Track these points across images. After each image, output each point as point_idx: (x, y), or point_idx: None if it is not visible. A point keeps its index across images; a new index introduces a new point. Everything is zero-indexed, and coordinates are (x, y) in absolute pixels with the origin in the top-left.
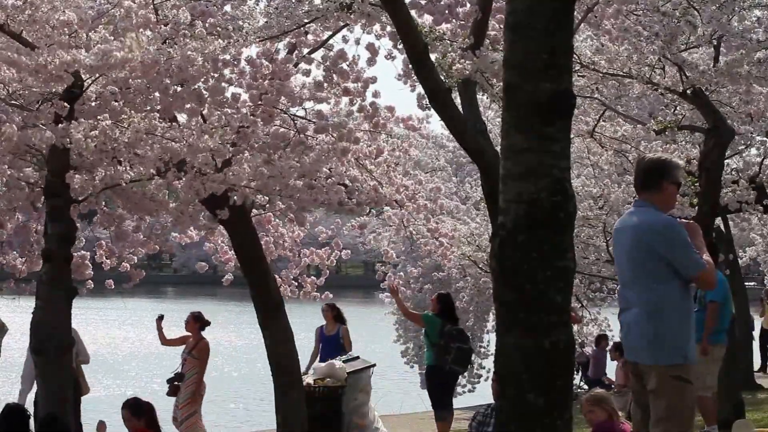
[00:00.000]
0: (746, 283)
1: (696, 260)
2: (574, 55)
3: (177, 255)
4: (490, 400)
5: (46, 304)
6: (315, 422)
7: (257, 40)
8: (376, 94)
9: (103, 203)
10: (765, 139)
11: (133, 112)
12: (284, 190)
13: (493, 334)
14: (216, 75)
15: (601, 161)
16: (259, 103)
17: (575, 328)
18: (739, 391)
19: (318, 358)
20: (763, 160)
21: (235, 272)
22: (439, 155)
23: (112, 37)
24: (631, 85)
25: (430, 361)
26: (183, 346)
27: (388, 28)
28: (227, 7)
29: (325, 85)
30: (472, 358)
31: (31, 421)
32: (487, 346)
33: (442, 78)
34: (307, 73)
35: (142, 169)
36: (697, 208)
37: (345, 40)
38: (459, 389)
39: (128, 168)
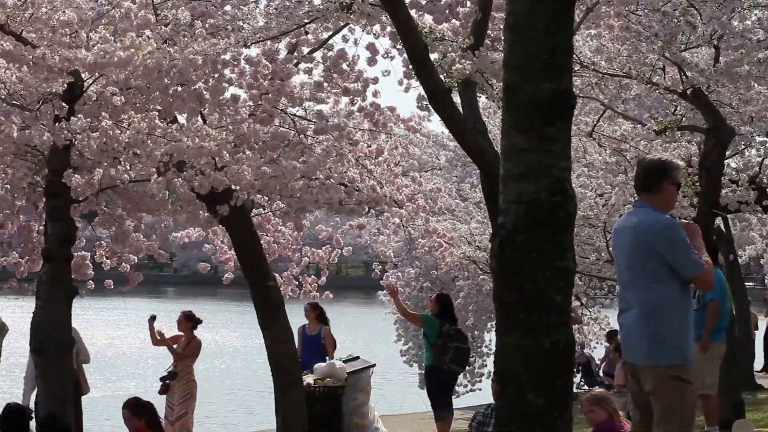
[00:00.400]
0: (746, 283)
1: (695, 261)
2: (574, 55)
3: (177, 255)
4: (491, 399)
5: (46, 304)
6: (315, 422)
7: (257, 40)
8: (376, 94)
9: (104, 203)
10: (765, 139)
11: (133, 112)
12: (284, 189)
13: (493, 334)
14: (216, 75)
15: (598, 161)
16: (260, 103)
17: (575, 328)
18: (739, 391)
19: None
20: (763, 160)
21: (235, 272)
22: (439, 155)
23: (112, 38)
24: (630, 85)
25: (429, 361)
26: (175, 346)
27: (388, 28)
28: (227, 8)
29: (326, 85)
30: (473, 358)
31: (32, 421)
32: (488, 344)
33: (442, 78)
34: (308, 71)
35: (140, 166)
36: (697, 208)
37: (345, 40)
38: (460, 389)
39: (128, 168)
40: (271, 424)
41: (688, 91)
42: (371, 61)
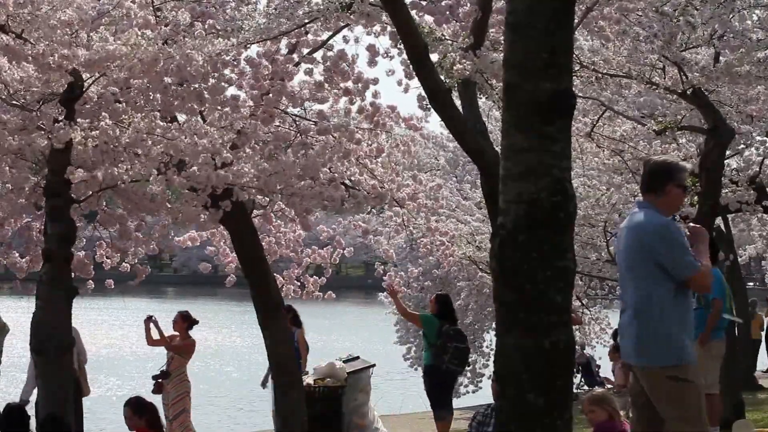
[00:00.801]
0: (747, 284)
1: (689, 262)
2: (574, 55)
3: (177, 255)
4: (491, 400)
5: (46, 304)
6: (315, 422)
7: (258, 40)
8: (375, 95)
9: (104, 203)
10: (765, 138)
11: (133, 112)
12: (285, 188)
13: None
14: (216, 75)
15: (595, 161)
16: (260, 103)
17: (576, 328)
18: (739, 391)
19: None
20: (763, 160)
21: (236, 273)
22: (438, 156)
23: (113, 38)
24: (629, 85)
25: (428, 361)
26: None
27: (388, 28)
28: (227, 8)
29: (326, 85)
30: (474, 358)
31: (32, 421)
32: (489, 344)
33: (443, 78)
34: (309, 72)
35: (140, 167)
36: (697, 208)
37: (345, 40)
38: (462, 389)
39: (128, 168)
40: (271, 424)
41: (688, 91)
42: (372, 63)
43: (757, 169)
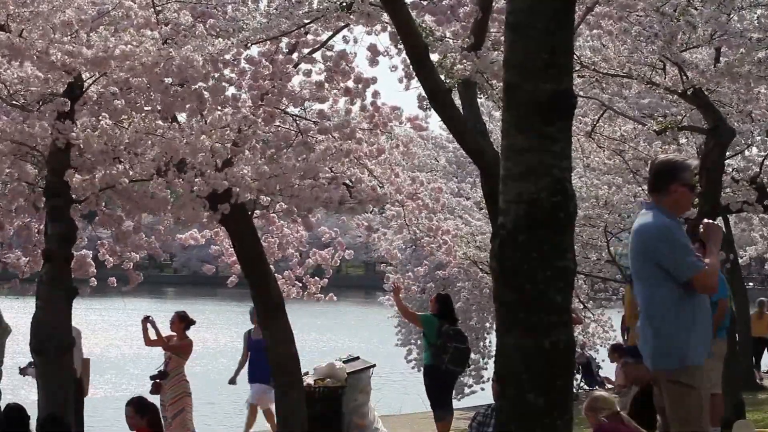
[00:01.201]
0: (746, 284)
1: (690, 263)
2: (574, 55)
3: (177, 255)
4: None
5: (46, 304)
6: (315, 422)
7: (258, 41)
8: (375, 95)
9: (103, 203)
10: (766, 138)
11: (133, 112)
12: (285, 189)
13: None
14: (216, 75)
15: (596, 161)
16: (260, 103)
17: (579, 329)
18: (740, 391)
19: (246, 365)
20: (763, 159)
21: (238, 273)
22: (438, 156)
23: (113, 38)
24: (629, 84)
25: (428, 361)
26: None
27: (389, 28)
28: (228, 8)
29: (326, 85)
30: (476, 358)
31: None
32: (489, 345)
33: (443, 78)
34: (308, 73)
35: (140, 168)
36: (697, 208)
37: (346, 40)
38: (466, 389)
39: (128, 168)
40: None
41: (688, 91)
42: (372, 62)
43: (758, 170)
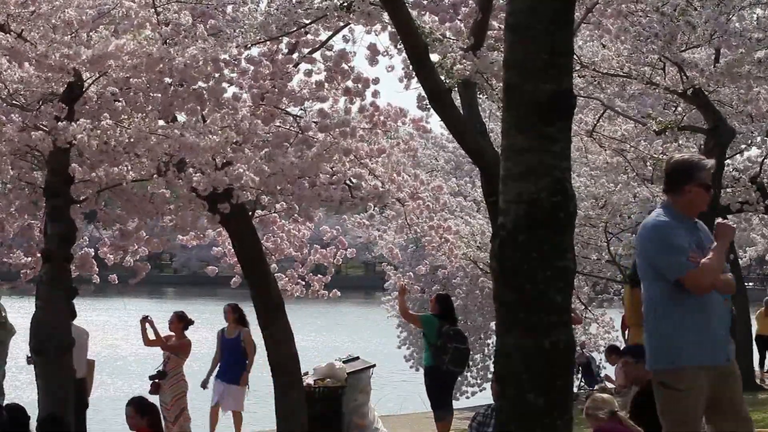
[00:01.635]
0: (746, 284)
1: (677, 263)
2: (575, 55)
3: (177, 255)
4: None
5: (46, 304)
6: (315, 422)
7: (258, 41)
8: (375, 94)
9: (103, 204)
10: (766, 138)
11: (133, 112)
12: (285, 188)
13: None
14: (216, 75)
15: (599, 160)
16: (261, 103)
17: (579, 329)
18: None
19: (219, 365)
20: (764, 159)
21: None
22: (438, 156)
23: (113, 38)
24: (630, 84)
25: (428, 361)
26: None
27: (389, 28)
28: (228, 8)
29: (326, 84)
30: (478, 358)
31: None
32: (490, 345)
33: (443, 78)
34: (308, 73)
35: (142, 166)
36: None
37: (346, 40)
38: (469, 389)
39: (128, 168)
40: (271, 424)
41: (688, 91)
42: (372, 62)
43: (758, 169)
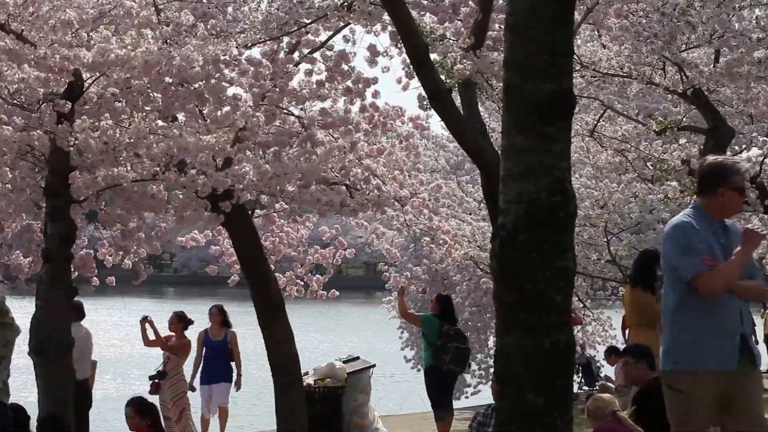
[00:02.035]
0: None
1: (691, 264)
2: (575, 55)
3: (177, 255)
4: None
5: (46, 304)
6: (315, 422)
7: (258, 41)
8: (375, 95)
9: (103, 203)
10: (766, 138)
11: (134, 112)
12: (285, 191)
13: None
14: (217, 75)
15: (601, 160)
16: (261, 103)
17: (579, 328)
18: None
19: (201, 366)
20: (764, 159)
21: (239, 273)
22: (438, 156)
23: (114, 37)
24: (630, 84)
25: (428, 361)
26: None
27: (389, 28)
28: (229, 8)
29: (326, 84)
30: (479, 358)
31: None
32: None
33: (443, 78)
34: (309, 73)
35: (144, 165)
36: None
37: (346, 40)
38: (471, 390)
39: (129, 168)
40: (271, 424)
41: (688, 91)
42: (372, 62)
43: (758, 169)
